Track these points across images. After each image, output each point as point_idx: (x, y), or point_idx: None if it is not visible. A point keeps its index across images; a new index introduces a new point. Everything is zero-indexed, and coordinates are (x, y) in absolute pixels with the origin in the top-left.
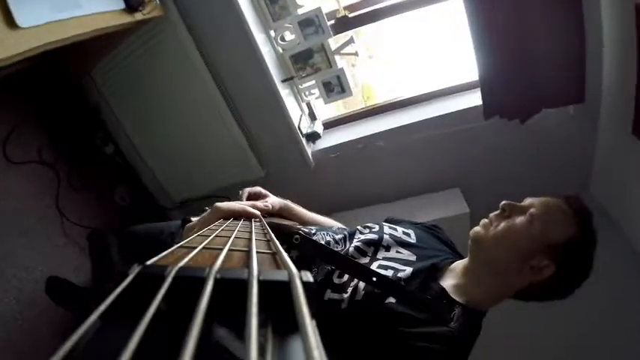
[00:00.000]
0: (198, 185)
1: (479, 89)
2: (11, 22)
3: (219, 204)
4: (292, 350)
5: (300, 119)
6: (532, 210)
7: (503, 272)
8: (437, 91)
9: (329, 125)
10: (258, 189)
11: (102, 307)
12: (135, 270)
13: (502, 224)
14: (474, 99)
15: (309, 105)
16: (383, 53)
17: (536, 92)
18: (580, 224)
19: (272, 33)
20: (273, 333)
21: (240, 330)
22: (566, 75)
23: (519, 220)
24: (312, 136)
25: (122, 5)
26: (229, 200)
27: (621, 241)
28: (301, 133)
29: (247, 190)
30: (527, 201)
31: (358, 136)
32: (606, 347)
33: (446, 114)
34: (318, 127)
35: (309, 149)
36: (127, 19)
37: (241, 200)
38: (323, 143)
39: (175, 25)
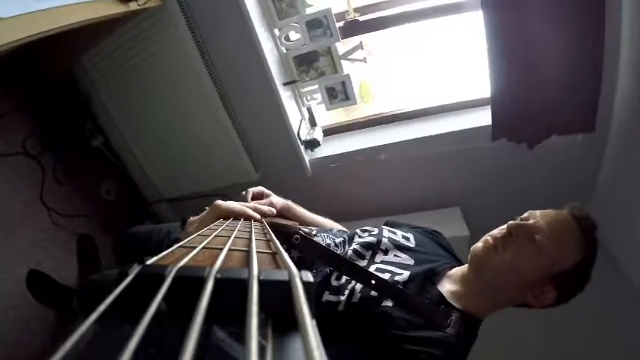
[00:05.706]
0: (189, 183)
1: (488, 108)
2: None
3: (219, 202)
4: (292, 350)
5: (300, 125)
6: (540, 238)
7: (503, 294)
8: (444, 105)
9: (329, 132)
10: (261, 189)
11: (102, 307)
12: (135, 270)
13: (508, 253)
14: (482, 118)
15: (309, 110)
16: (385, 52)
17: (548, 118)
18: (587, 249)
19: (276, 32)
20: (273, 333)
21: (240, 329)
22: (579, 103)
23: (527, 250)
24: (311, 144)
25: None
26: (225, 199)
27: (619, 275)
28: (300, 140)
29: (251, 190)
30: (535, 220)
31: (359, 148)
32: None
33: (452, 131)
34: (318, 135)
35: (307, 157)
36: (120, 8)
37: (246, 201)
38: (322, 152)
39: (173, 15)
